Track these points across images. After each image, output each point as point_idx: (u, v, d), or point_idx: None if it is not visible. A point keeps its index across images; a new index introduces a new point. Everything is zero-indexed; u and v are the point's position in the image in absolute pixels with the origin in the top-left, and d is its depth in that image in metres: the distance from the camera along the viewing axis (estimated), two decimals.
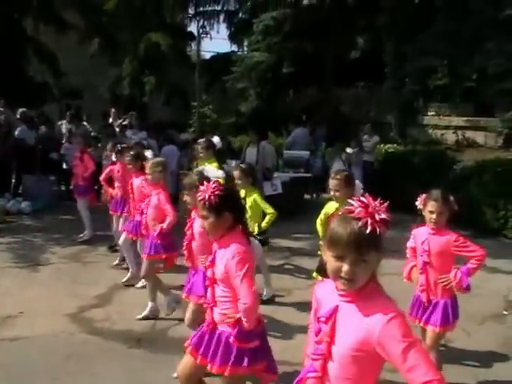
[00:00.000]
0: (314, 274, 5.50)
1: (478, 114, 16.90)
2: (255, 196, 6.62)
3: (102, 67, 21.44)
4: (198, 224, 4.57)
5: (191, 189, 4.67)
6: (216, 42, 33.52)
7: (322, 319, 2.24)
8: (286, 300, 6.75)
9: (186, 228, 4.75)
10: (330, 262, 2.16)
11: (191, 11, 23.35)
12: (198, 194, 3.52)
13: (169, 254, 5.95)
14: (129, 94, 22.01)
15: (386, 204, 2.15)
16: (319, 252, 5.22)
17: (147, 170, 6.12)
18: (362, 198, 2.15)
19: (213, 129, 19.86)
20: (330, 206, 5.46)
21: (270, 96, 19.61)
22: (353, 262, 2.10)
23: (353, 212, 2.11)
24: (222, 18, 22.61)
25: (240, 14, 22.03)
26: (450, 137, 17.15)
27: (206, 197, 3.43)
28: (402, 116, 15.46)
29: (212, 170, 5.47)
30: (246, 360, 3.33)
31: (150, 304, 6.09)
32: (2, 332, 5.64)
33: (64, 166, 12.92)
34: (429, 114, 19.09)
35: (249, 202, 6.48)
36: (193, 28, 24.12)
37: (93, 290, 6.91)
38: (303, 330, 5.64)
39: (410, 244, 4.75)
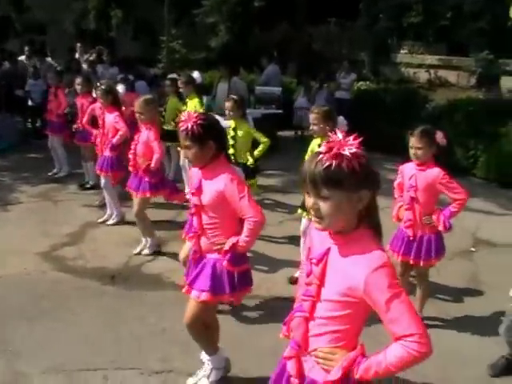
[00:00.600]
0: (299, 210, 5.51)
1: (452, 53, 16.80)
2: (247, 126, 6.75)
3: (66, 1, 20.67)
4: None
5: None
6: None
7: (314, 261, 2.22)
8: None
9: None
10: (306, 199, 2.14)
11: None
12: (180, 125, 3.47)
13: (157, 192, 6.02)
14: (95, 29, 21.31)
15: (358, 140, 2.07)
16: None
17: (137, 109, 5.91)
18: (332, 136, 2.09)
19: (182, 64, 19.46)
20: (316, 143, 5.46)
21: (240, 31, 19.21)
22: (314, 199, 2.08)
23: (321, 150, 2.06)
24: None
25: None
26: (423, 75, 17.08)
27: (189, 127, 3.39)
28: (375, 54, 15.35)
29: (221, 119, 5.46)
30: (236, 284, 3.51)
31: (149, 240, 6.13)
32: None
33: (30, 103, 12.58)
34: (402, 51, 18.96)
35: (240, 133, 6.57)
36: None
37: (64, 228, 6.86)
38: (275, 262, 5.75)
39: (397, 181, 4.82)
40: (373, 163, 2.14)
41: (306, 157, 5.50)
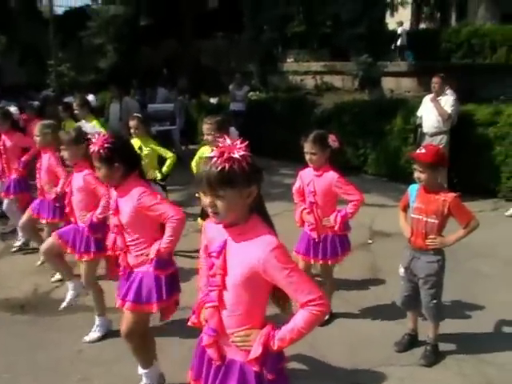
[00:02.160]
0: (199, 220, 5.70)
1: (335, 59, 17.59)
2: (152, 144, 6.90)
3: None
4: (76, 180, 4.68)
5: (69, 144, 4.74)
6: None
7: (214, 254, 2.45)
8: None
9: (66, 185, 4.81)
10: (202, 199, 2.40)
11: None
12: (90, 147, 3.62)
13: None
14: None
15: (244, 144, 2.34)
16: (196, 195, 5.45)
17: (36, 133, 5.90)
18: (222, 142, 2.35)
19: (71, 87, 19.19)
20: (204, 150, 5.69)
21: (128, 50, 19.20)
22: (210, 198, 2.34)
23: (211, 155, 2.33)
24: None
25: None
26: (310, 82, 17.71)
27: (96, 149, 3.56)
28: (262, 64, 15.79)
29: (90, 126, 5.43)
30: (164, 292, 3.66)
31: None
32: None
33: None
34: (288, 60, 19.59)
35: (145, 151, 6.69)
36: None
37: None
38: (186, 273, 5.88)
39: (295, 186, 5.00)
40: (269, 169, 2.44)
41: (193, 163, 5.67)
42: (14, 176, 6.96)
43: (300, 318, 2.36)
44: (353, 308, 5.31)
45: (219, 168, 2.28)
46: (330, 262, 4.90)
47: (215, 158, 2.30)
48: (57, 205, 5.82)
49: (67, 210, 4.92)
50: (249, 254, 2.34)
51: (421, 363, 4.38)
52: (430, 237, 4.22)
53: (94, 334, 4.79)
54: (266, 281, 2.36)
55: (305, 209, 4.88)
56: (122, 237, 3.71)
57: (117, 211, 3.68)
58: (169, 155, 6.93)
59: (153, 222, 3.63)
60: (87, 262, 4.72)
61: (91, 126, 5.33)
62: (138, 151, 6.55)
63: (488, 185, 9.13)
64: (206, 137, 5.54)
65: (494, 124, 9.24)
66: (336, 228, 4.75)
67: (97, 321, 4.83)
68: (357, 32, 11.62)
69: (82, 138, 4.79)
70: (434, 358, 4.43)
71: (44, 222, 6.04)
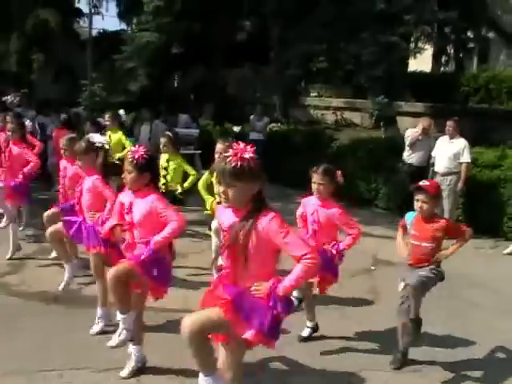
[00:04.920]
0: (208, 231, 6.39)
1: (357, 95, 18.27)
2: (179, 160, 7.73)
3: None
4: (87, 183, 5.44)
5: (81, 154, 5.48)
6: (104, 19, 33.34)
7: (225, 229, 3.29)
8: (182, 263, 7.31)
9: (78, 186, 5.58)
10: (218, 186, 3.30)
11: None
12: (129, 153, 4.35)
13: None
14: (15, 71, 21.56)
15: (253, 148, 3.20)
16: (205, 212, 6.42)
17: (62, 145, 6.62)
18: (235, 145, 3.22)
19: (102, 107, 19.99)
20: (208, 176, 6.57)
21: (158, 76, 19.97)
22: (224, 187, 3.20)
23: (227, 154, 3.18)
24: None
25: None
26: (330, 117, 18.41)
27: (136, 156, 4.29)
28: (285, 97, 16.50)
29: (97, 136, 6.09)
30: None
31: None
32: None
33: None
34: (311, 95, 20.30)
35: (172, 165, 7.56)
36: (81, 5, 24.02)
37: (2, 259, 7.35)
38: (200, 285, 6.43)
39: (298, 212, 5.41)
40: (285, 197, 3.29)
41: (199, 184, 6.22)
42: (12, 183, 7.51)
43: (299, 269, 3.15)
44: (349, 323, 5.82)
45: (233, 164, 3.11)
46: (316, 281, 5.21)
47: (230, 157, 3.13)
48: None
49: (77, 208, 5.60)
50: (260, 228, 3.16)
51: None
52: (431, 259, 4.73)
53: (97, 326, 5.31)
54: (273, 245, 3.16)
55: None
56: (132, 233, 4.39)
57: (130, 210, 4.37)
58: (192, 173, 7.74)
59: (159, 225, 4.29)
60: (95, 254, 5.29)
61: (98, 136, 5.98)
62: (166, 164, 7.30)
63: (490, 224, 9.63)
64: (217, 155, 6.18)
65: (499, 167, 9.81)
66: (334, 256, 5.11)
67: (99, 312, 5.35)
68: (375, 74, 12.28)
69: (91, 148, 5.51)
70: (420, 332, 4.94)
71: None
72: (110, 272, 4.34)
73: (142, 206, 4.33)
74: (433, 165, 9.94)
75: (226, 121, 16.82)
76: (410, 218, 4.93)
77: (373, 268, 7.85)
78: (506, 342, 5.54)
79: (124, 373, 4.51)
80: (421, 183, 4.82)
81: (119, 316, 4.51)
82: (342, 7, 12.46)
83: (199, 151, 13.76)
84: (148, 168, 4.36)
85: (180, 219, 4.28)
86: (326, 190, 5.11)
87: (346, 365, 4.96)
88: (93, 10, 20.31)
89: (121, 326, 4.50)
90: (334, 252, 5.11)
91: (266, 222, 3.15)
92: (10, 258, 7.41)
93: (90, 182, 5.43)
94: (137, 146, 4.50)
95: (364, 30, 12.35)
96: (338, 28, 12.66)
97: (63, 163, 6.70)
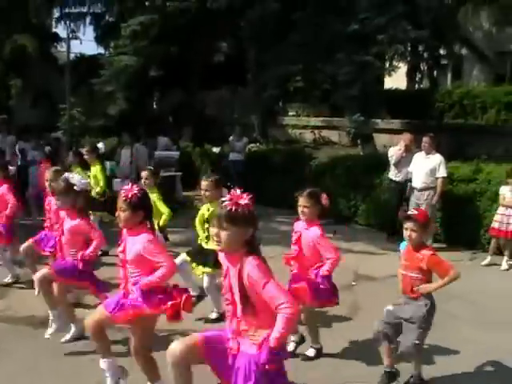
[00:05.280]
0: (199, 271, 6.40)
1: (335, 114, 18.56)
2: (155, 195, 7.34)
3: None
4: (67, 223, 5.60)
5: (60, 194, 5.66)
6: (82, 43, 33.54)
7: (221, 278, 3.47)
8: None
9: (58, 226, 5.73)
10: (211, 230, 3.40)
11: (57, 13, 23.39)
12: (122, 192, 4.41)
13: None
14: None
15: (249, 195, 3.33)
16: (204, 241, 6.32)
17: (48, 178, 6.85)
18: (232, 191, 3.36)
19: (81, 131, 20.10)
20: (203, 208, 6.44)
21: (137, 99, 20.08)
22: (217, 229, 3.33)
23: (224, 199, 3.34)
24: (88, 20, 22.78)
25: (107, 17, 22.27)
26: (309, 136, 18.64)
27: (129, 195, 4.35)
28: (263, 118, 16.72)
29: (78, 178, 6.18)
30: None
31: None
32: None
33: None
34: (289, 114, 20.55)
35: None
36: (58, 29, 24.17)
37: None
38: None
39: (294, 237, 5.45)
40: (267, 216, 3.40)
41: (197, 220, 6.33)
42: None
43: (279, 321, 3.21)
44: (330, 340, 5.93)
45: (228, 209, 3.27)
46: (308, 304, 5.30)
47: (227, 202, 3.29)
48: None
49: (57, 247, 5.76)
50: (245, 277, 3.26)
51: None
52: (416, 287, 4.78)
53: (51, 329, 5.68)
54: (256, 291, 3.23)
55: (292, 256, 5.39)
56: (125, 270, 4.46)
57: (124, 249, 4.45)
58: (164, 210, 7.58)
59: (151, 264, 4.36)
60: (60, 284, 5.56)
61: (78, 178, 6.06)
62: None
63: (468, 237, 9.85)
64: (203, 192, 6.30)
65: (474, 180, 10.05)
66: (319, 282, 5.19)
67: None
68: (351, 93, 12.52)
69: (69, 188, 5.65)
70: None
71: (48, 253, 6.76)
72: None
73: (134, 244, 4.37)
74: (410, 180, 10.16)
75: (205, 142, 16.99)
76: (402, 246, 5.02)
77: (354, 284, 7.99)
78: (485, 352, 5.69)
79: None
80: (409, 212, 4.94)
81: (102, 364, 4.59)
82: (316, 30, 12.71)
83: (180, 173, 13.91)
84: (141, 206, 4.40)
85: (171, 265, 4.34)
86: (310, 213, 5.26)
87: (329, 378, 5.09)
88: (70, 35, 20.43)
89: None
90: (318, 276, 5.20)
91: (250, 269, 3.26)
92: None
93: (73, 224, 5.62)
94: (130, 185, 4.57)
95: (339, 51, 12.59)
96: (313, 49, 12.89)
97: (49, 199, 6.75)
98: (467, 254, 9.53)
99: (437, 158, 9.79)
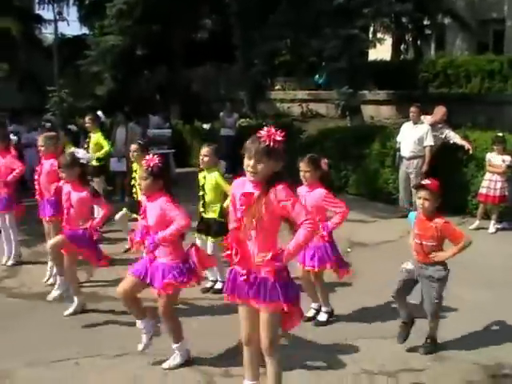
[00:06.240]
0: (195, 234, 6.73)
1: (320, 87, 18.77)
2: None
3: None
4: (74, 196, 5.96)
5: (65, 167, 5.97)
6: (64, 24, 33.31)
7: (242, 196, 3.81)
8: None
9: (65, 199, 6.01)
10: (245, 160, 3.74)
11: None
12: (144, 162, 4.77)
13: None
14: None
15: (282, 132, 3.74)
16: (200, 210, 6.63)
17: (40, 143, 7.11)
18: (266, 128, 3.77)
19: (70, 112, 20.15)
20: (200, 175, 6.72)
21: (124, 78, 20.15)
22: (254, 162, 3.68)
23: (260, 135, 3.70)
24: (71, 0, 22.78)
25: None
26: (296, 109, 18.84)
27: (151, 164, 4.70)
28: (252, 93, 16.91)
29: (82, 152, 6.49)
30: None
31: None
32: None
33: None
34: (275, 88, 20.72)
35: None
36: (41, 11, 24.08)
37: None
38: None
39: None
40: None
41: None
42: (2, 195, 7.70)
43: (301, 233, 3.68)
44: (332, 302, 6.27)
45: (266, 143, 3.65)
46: (316, 269, 5.66)
47: (264, 137, 3.65)
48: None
49: (64, 219, 6.06)
50: (272, 198, 3.70)
51: (420, 352, 5.14)
52: (430, 255, 4.99)
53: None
54: (277, 212, 3.72)
55: None
56: (149, 235, 4.77)
57: (145, 215, 4.82)
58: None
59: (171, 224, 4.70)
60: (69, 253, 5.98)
61: (83, 152, 6.41)
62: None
63: (456, 203, 10.18)
64: (201, 157, 6.57)
65: (462, 148, 10.37)
66: (322, 237, 5.52)
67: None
68: (338, 66, 12.77)
69: (75, 162, 6.04)
70: (433, 347, 5.17)
71: (47, 219, 7.05)
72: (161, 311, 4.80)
73: (153, 209, 4.76)
74: (398, 150, 10.47)
75: (194, 119, 17.19)
76: (412, 217, 5.30)
77: (348, 250, 8.34)
78: (470, 309, 6.13)
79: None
80: (423, 182, 5.20)
81: (174, 345, 4.91)
82: (302, 5, 12.90)
83: (173, 150, 14.15)
84: (161, 175, 4.79)
85: (185, 218, 4.68)
86: (311, 176, 5.58)
87: (333, 336, 5.48)
88: (57, 17, 20.41)
89: (176, 351, 4.92)
90: (325, 233, 5.55)
91: (278, 191, 3.69)
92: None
93: (81, 195, 5.99)
94: (152, 155, 4.93)
95: (325, 26, 12.81)
96: (299, 25, 13.09)
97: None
98: (456, 219, 9.85)
99: (424, 128, 10.10)
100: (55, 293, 6.40)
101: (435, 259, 5.00)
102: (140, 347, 4.97)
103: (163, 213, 4.70)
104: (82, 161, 6.13)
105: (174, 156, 14.42)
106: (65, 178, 6.03)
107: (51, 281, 6.91)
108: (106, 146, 10.24)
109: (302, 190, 5.69)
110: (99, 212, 6.94)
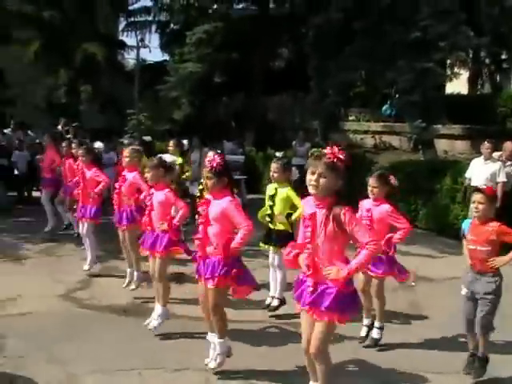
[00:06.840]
0: (261, 244, 6.95)
1: (395, 119, 18.68)
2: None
3: (37, 76, 22.10)
4: (157, 197, 6.19)
5: (152, 168, 6.29)
6: (146, 50, 34.60)
7: (307, 217, 4.15)
8: None
9: (147, 200, 6.32)
10: (308, 176, 4.03)
11: (124, 21, 24.37)
12: (207, 163, 5.03)
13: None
14: (64, 103, 22.54)
15: (345, 152, 4.05)
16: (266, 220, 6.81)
17: (125, 154, 7.44)
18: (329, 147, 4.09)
19: (148, 135, 20.79)
20: (271, 186, 6.90)
21: (201, 104, 20.73)
22: (317, 176, 3.98)
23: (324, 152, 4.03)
24: (153, 28, 23.63)
25: (171, 25, 23.03)
26: (369, 140, 18.82)
27: (214, 164, 4.95)
28: (325, 123, 17.02)
29: (168, 156, 6.79)
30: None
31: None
32: (7, 310, 6.78)
33: (16, 173, 13.87)
34: (350, 119, 20.75)
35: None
36: (125, 37, 25.12)
37: (72, 277, 8.06)
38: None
39: (357, 214, 5.74)
40: None
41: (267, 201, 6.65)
42: (89, 205, 8.14)
43: (364, 253, 3.99)
44: (394, 332, 6.27)
45: (330, 160, 3.98)
46: (380, 277, 5.87)
47: (329, 155, 3.95)
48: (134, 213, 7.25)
49: (147, 220, 6.30)
50: (334, 217, 4.00)
51: (470, 375, 5.13)
52: (489, 260, 4.94)
53: (155, 321, 6.02)
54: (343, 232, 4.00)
55: None
56: (205, 228, 5.04)
57: (207, 212, 5.04)
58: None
59: (230, 224, 4.98)
60: (161, 258, 6.08)
61: (169, 156, 6.77)
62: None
63: None
64: (272, 173, 6.77)
65: None
66: (387, 249, 5.64)
67: (159, 310, 6.05)
68: (412, 99, 12.74)
69: (161, 164, 6.40)
70: (484, 370, 5.11)
71: (124, 228, 7.41)
72: (210, 306, 5.03)
73: (217, 206, 4.99)
74: (468, 186, 10.31)
75: (267, 146, 17.42)
76: (466, 224, 5.30)
77: (412, 284, 8.25)
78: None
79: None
80: (479, 186, 5.31)
81: (216, 340, 5.11)
82: (378, 37, 12.98)
83: (245, 177, 14.42)
84: (225, 173, 5.03)
85: (249, 224, 4.92)
86: (378, 192, 5.76)
87: (391, 366, 5.44)
88: (140, 44, 21.21)
89: (218, 349, 5.10)
90: (390, 252, 5.74)
91: (342, 214, 3.97)
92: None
93: (163, 195, 6.23)
94: (212, 154, 5.16)
95: (400, 58, 12.83)
96: (375, 57, 13.16)
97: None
98: None
99: (496, 164, 9.95)
100: (155, 322, 6.10)
101: (496, 265, 4.97)
102: (212, 365, 5.13)
103: (225, 213, 4.93)
104: (168, 164, 6.60)
105: (245, 183, 14.66)
106: (150, 178, 6.34)
107: None
108: (189, 170, 11.19)
109: (366, 203, 5.86)
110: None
